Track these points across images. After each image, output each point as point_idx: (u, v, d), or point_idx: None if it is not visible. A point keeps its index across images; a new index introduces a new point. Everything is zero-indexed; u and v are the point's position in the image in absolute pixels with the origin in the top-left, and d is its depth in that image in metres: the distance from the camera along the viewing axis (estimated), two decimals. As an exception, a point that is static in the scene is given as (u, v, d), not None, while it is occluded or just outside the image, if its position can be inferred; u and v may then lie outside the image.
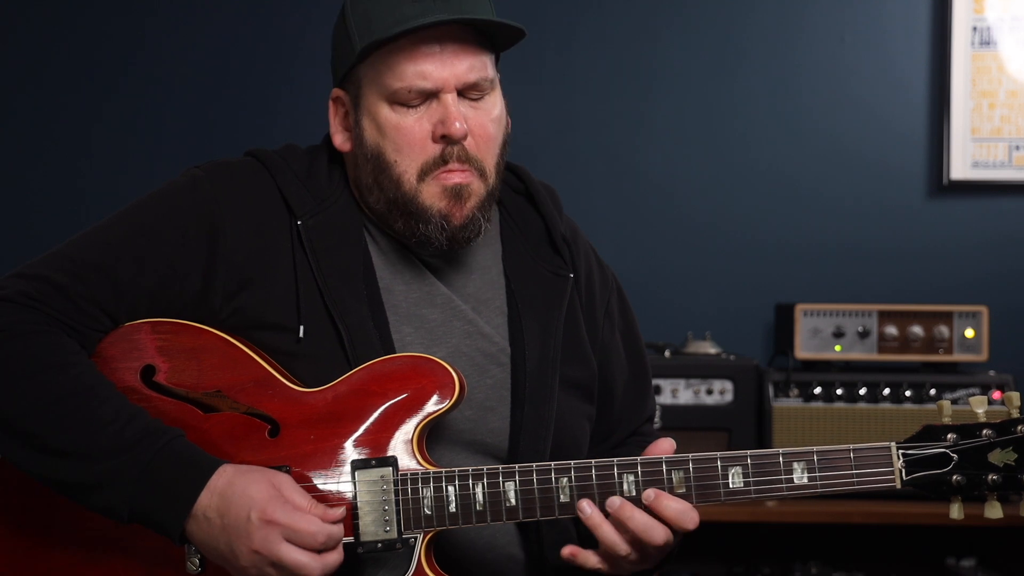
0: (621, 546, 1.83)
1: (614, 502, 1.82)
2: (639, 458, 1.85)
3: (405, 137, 1.95)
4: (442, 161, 1.95)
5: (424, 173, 1.95)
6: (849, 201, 3.98)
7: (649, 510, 1.82)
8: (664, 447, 1.87)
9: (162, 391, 1.91)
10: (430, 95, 1.94)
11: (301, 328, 1.93)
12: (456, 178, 1.96)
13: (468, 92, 1.96)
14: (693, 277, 3.99)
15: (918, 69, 3.98)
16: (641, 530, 1.82)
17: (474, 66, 1.95)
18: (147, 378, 1.91)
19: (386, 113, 1.96)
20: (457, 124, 1.93)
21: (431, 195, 1.96)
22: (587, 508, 1.83)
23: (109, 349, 1.92)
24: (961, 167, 3.94)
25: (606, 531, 1.83)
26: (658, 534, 1.82)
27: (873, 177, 3.98)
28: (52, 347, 1.85)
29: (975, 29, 3.93)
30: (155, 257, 1.94)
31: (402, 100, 1.95)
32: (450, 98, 1.94)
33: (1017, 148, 3.94)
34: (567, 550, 1.86)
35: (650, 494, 1.82)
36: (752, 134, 4.01)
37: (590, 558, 1.86)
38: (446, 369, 1.89)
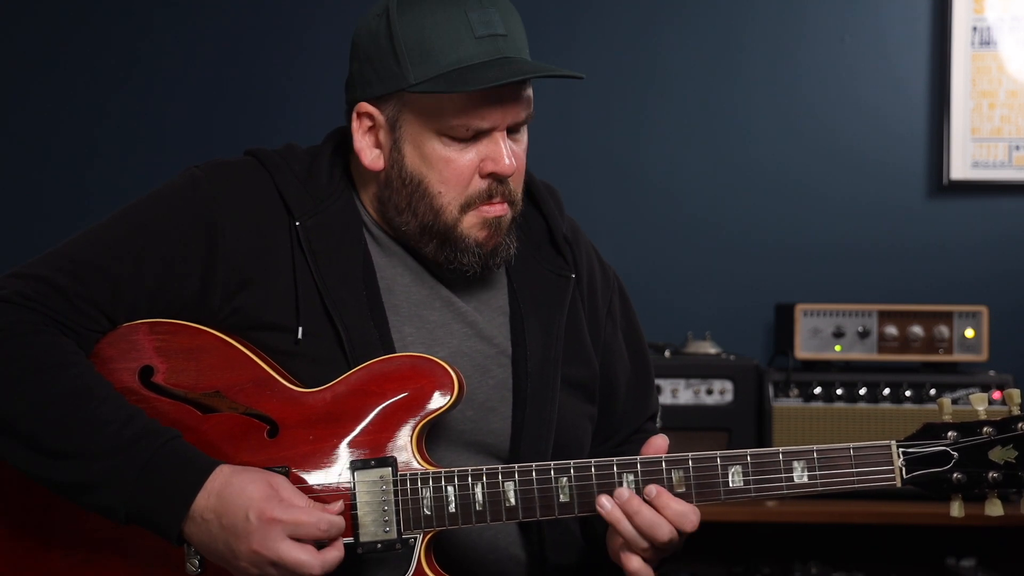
0: (639, 541, 1.82)
1: (623, 494, 1.82)
2: (639, 458, 1.85)
3: (453, 171, 1.94)
4: (487, 196, 1.95)
5: (467, 206, 1.96)
6: (849, 201, 3.98)
7: (652, 507, 1.82)
8: (659, 444, 1.87)
9: (160, 392, 1.91)
10: (482, 132, 1.94)
11: (300, 329, 1.93)
12: (497, 211, 1.97)
13: (513, 128, 1.97)
14: (693, 277, 3.99)
15: (918, 69, 3.98)
16: (647, 526, 1.82)
17: (526, 104, 1.97)
18: (145, 379, 1.91)
19: (434, 144, 1.94)
20: (507, 163, 1.94)
21: (471, 226, 1.96)
22: (607, 503, 1.83)
23: (107, 349, 1.92)
24: (961, 167, 3.94)
25: (626, 526, 1.82)
26: (663, 531, 1.82)
27: (873, 177, 3.98)
28: (50, 347, 1.85)
29: (975, 29, 3.93)
30: (154, 257, 1.93)
31: (455, 135, 1.94)
32: (501, 136, 1.94)
33: (1017, 148, 3.94)
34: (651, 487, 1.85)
35: (651, 490, 1.82)
36: (752, 134, 4.01)
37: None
38: (445, 369, 1.89)
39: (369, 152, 1.99)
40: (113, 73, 4.05)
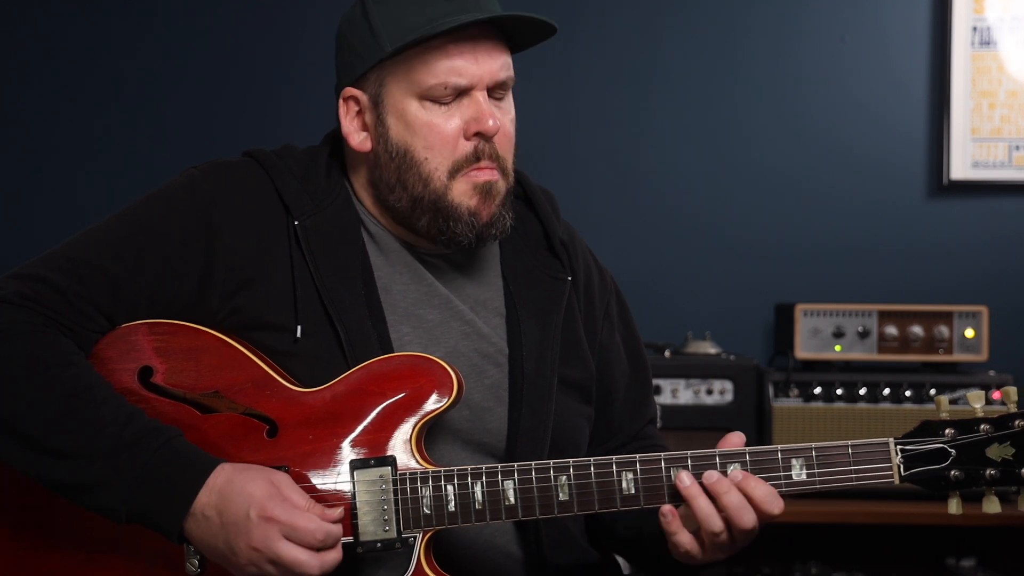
0: (716, 521, 1.81)
1: (711, 475, 1.81)
2: (638, 456, 1.85)
3: (437, 134, 1.95)
4: (474, 158, 1.96)
5: (455, 170, 1.96)
6: (849, 201, 3.98)
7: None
8: (735, 439, 1.86)
9: (160, 392, 1.91)
10: (462, 92, 1.95)
11: (298, 328, 1.93)
12: (485, 175, 1.97)
13: (494, 91, 1.98)
14: (693, 277, 3.99)
15: (918, 69, 3.98)
16: (734, 507, 1.80)
17: (504, 65, 1.98)
18: (145, 379, 1.91)
19: (416, 110, 1.96)
20: (491, 121, 1.94)
21: (461, 192, 1.96)
22: (686, 479, 1.81)
23: (106, 350, 1.92)
24: (961, 167, 3.94)
25: (702, 504, 1.81)
26: (749, 517, 1.81)
27: (873, 177, 3.98)
28: (49, 348, 1.85)
29: (975, 29, 3.93)
30: (153, 257, 1.94)
31: (435, 96, 1.95)
32: (482, 96, 1.95)
33: (1017, 148, 3.94)
34: (666, 507, 1.84)
35: (737, 474, 1.81)
36: (752, 134, 4.01)
37: (682, 531, 1.84)
38: (444, 368, 1.89)
39: (356, 135, 2.01)
40: (113, 73, 4.05)
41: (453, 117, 1.95)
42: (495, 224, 1.99)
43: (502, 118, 1.98)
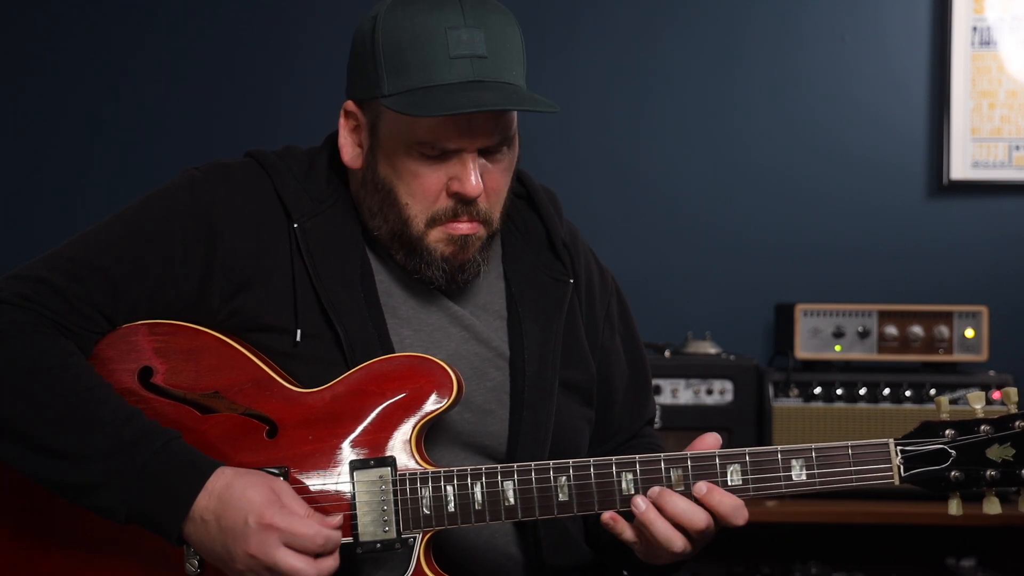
0: (677, 541, 1.81)
1: (654, 491, 1.81)
2: (637, 456, 1.84)
3: (420, 185, 1.93)
4: (453, 215, 1.94)
5: (433, 222, 1.94)
6: (849, 201, 3.98)
7: (700, 503, 1.81)
8: (709, 442, 1.86)
9: (160, 392, 1.91)
10: (452, 151, 1.92)
11: (298, 331, 1.93)
12: (463, 229, 1.95)
13: (489, 149, 1.95)
14: (693, 277, 3.99)
15: (918, 69, 3.98)
16: (682, 512, 1.80)
17: (498, 129, 1.93)
18: (145, 380, 1.91)
19: (403, 156, 1.93)
20: (472, 184, 1.91)
21: (437, 240, 1.95)
22: (641, 503, 1.82)
23: (106, 351, 1.92)
24: (961, 167, 3.94)
25: (660, 527, 1.81)
26: (699, 517, 1.81)
27: (873, 177, 3.98)
28: (49, 348, 1.85)
29: (975, 29, 3.93)
30: (153, 258, 1.93)
31: (423, 151, 1.92)
32: (470, 159, 1.92)
33: (1017, 148, 3.94)
34: (607, 515, 1.84)
35: (702, 487, 1.81)
36: (752, 134, 4.01)
37: (626, 529, 1.84)
38: (444, 369, 1.89)
39: (351, 149, 2.00)
40: (113, 73, 4.05)
41: (438, 171, 1.93)
42: (467, 269, 1.98)
43: (494, 173, 1.95)
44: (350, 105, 1.99)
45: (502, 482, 1.85)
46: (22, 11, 4.05)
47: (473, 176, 1.91)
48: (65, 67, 4.05)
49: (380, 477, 1.86)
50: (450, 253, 1.96)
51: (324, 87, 3.78)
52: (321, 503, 1.85)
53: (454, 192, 1.93)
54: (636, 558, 1.90)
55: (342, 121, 2.00)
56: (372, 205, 1.98)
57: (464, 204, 1.93)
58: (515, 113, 1.96)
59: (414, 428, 1.87)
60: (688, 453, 1.84)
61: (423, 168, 1.93)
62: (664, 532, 1.81)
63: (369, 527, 1.85)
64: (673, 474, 1.83)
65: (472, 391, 1.97)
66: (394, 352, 1.94)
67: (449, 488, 1.85)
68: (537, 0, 3.97)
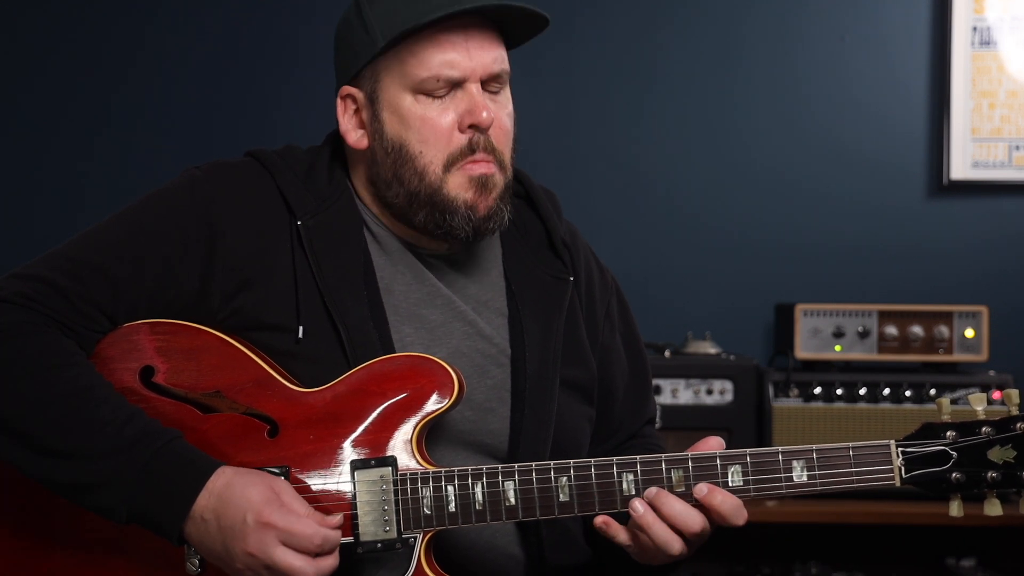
0: (675, 544, 1.81)
1: (651, 491, 1.82)
2: (638, 457, 1.84)
3: (431, 127, 1.95)
4: (469, 151, 1.95)
5: (450, 164, 1.96)
6: (849, 201, 3.99)
7: (700, 505, 1.81)
8: (712, 445, 1.86)
9: (161, 392, 1.91)
10: (455, 85, 1.95)
11: (300, 329, 1.93)
12: (481, 168, 1.96)
13: (489, 84, 1.98)
14: (693, 277, 3.99)
15: (918, 69, 3.98)
16: (678, 515, 1.80)
17: (497, 58, 1.97)
18: (146, 379, 1.91)
19: (410, 104, 1.96)
20: (485, 113, 1.94)
21: (456, 186, 1.96)
22: (639, 507, 1.82)
23: (107, 350, 1.92)
24: (961, 167, 3.94)
25: (658, 530, 1.81)
26: (695, 520, 1.81)
27: (873, 177, 3.98)
28: (50, 348, 1.85)
29: (975, 29, 3.93)
30: (154, 258, 1.94)
31: (428, 90, 1.95)
32: (475, 88, 1.95)
33: (1017, 148, 3.94)
34: (600, 519, 1.84)
35: (702, 488, 1.81)
36: (752, 134, 4.01)
37: (620, 532, 1.85)
38: (445, 368, 1.89)
39: (354, 133, 2.02)
40: (113, 73, 4.05)
41: (447, 110, 1.95)
42: (492, 218, 1.99)
43: (497, 111, 1.98)
44: (345, 89, 2.02)
45: (503, 482, 1.85)
46: (22, 11, 4.05)
47: (482, 102, 1.94)
48: (65, 67, 4.05)
49: (381, 477, 1.86)
50: (472, 198, 1.96)
51: (324, 87, 3.75)
52: (322, 503, 1.85)
53: (468, 125, 1.95)
54: (632, 560, 1.90)
55: (340, 109, 2.02)
56: (385, 174, 1.99)
57: (479, 136, 1.95)
58: (506, 53, 2.00)
59: (415, 428, 1.87)
60: (689, 454, 1.84)
61: (431, 110, 1.95)
62: (662, 535, 1.81)
63: (370, 527, 1.85)
64: (674, 475, 1.83)
65: (473, 389, 1.97)
66: (394, 351, 1.94)
67: (450, 488, 1.85)
68: (537, 0, 3.97)
